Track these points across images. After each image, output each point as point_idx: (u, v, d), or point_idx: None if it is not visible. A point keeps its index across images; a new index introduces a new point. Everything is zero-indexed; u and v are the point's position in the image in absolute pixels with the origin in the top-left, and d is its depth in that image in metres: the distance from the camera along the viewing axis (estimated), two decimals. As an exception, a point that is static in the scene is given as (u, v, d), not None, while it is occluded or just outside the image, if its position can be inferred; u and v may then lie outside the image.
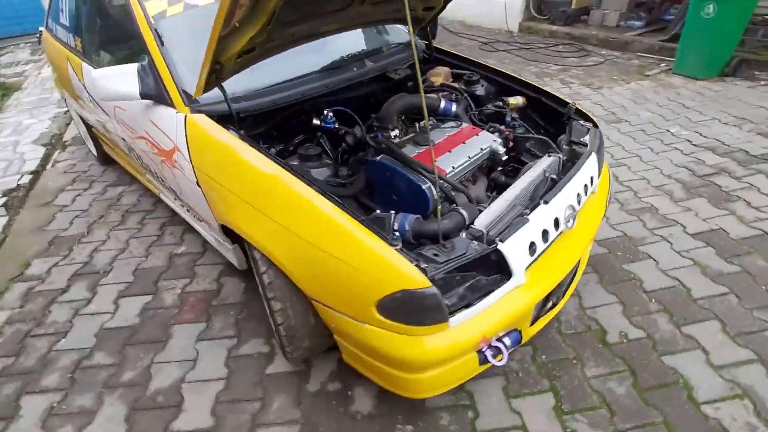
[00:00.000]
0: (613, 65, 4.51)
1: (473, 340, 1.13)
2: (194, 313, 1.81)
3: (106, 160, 2.97)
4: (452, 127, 1.61)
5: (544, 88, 1.88)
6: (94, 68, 1.91)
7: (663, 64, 4.47)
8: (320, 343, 1.42)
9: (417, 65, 1.03)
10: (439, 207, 1.22)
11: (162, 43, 1.56)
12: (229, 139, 1.36)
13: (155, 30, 1.58)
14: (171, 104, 1.53)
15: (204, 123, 1.43)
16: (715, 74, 3.97)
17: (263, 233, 1.24)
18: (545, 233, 1.24)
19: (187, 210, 1.87)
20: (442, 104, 1.67)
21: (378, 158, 1.40)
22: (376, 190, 1.45)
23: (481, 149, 1.51)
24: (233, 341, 1.67)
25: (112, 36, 2.01)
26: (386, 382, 1.26)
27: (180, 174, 1.56)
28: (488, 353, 1.15)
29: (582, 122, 1.68)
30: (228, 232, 1.53)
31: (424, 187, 1.29)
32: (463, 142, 1.53)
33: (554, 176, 1.44)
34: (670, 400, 1.38)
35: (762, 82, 3.77)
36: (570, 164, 1.49)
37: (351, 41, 1.95)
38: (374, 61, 1.89)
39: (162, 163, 1.67)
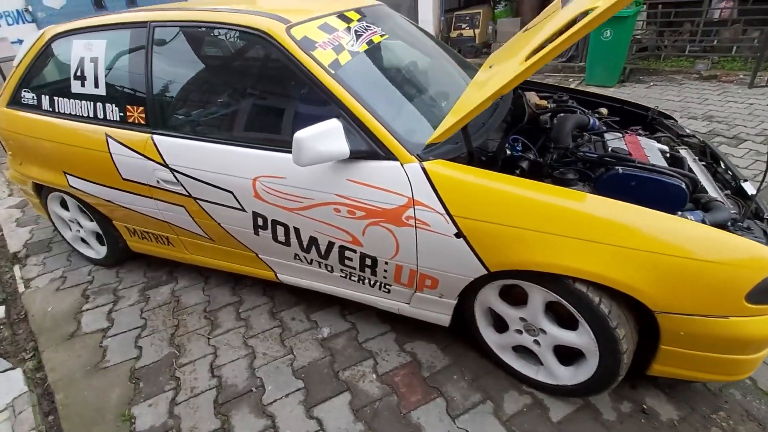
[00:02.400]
0: (537, 84, 5.44)
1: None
2: (418, 393, 1.54)
3: (118, 259, 2.33)
4: (619, 137, 1.78)
5: (619, 98, 2.22)
6: (200, 141, 1.61)
7: (571, 79, 5.56)
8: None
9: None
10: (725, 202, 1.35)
11: (356, 95, 1.38)
12: (500, 179, 1.28)
13: (343, 82, 1.39)
14: (388, 157, 1.36)
15: (458, 169, 1.31)
16: (616, 82, 5.14)
17: (595, 261, 1.18)
18: None
19: (363, 279, 1.61)
20: (591, 120, 1.84)
21: (619, 171, 1.46)
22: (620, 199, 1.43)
23: (661, 151, 1.70)
24: (489, 405, 1.48)
25: (239, 98, 1.69)
26: (717, 373, 1.30)
27: (418, 231, 1.36)
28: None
29: (672, 121, 2.04)
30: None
31: (680, 185, 1.40)
32: (643, 147, 1.70)
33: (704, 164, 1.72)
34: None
35: (650, 84, 5.01)
36: (701, 153, 1.80)
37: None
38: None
39: (370, 226, 1.43)
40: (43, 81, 2.04)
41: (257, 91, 1.64)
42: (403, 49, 1.97)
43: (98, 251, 2.36)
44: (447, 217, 1.32)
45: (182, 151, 1.67)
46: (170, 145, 1.69)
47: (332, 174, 1.43)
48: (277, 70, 1.49)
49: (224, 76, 1.80)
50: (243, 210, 1.64)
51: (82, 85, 1.86)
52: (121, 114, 1.79)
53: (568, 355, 1.45)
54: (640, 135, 1.84)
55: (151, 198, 1.85)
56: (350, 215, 1.45)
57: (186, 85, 1.70)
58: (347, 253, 1.55)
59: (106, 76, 1.79)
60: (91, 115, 1.86)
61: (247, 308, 2.01)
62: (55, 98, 1.96)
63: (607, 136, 1.74)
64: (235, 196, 1.62)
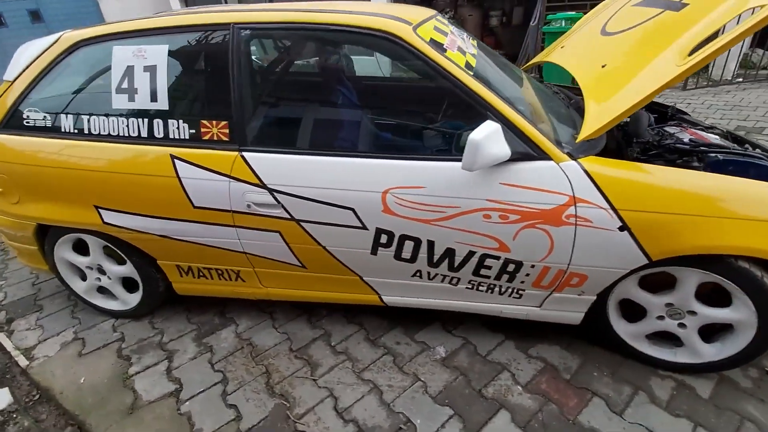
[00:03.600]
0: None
1: None
2: (572, 396, 1.49)
3: (152, 307, 1.95)
4: (682, 131, 1.95)
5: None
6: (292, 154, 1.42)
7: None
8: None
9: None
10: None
11: (501, 96, 1.33)
12: (658, 170, 1.32)
13: (486, 83, 1.33)
14: (541, 158, 1.33)
15: (614, 164, 1.33)
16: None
17: (757, 238, 1.26)
18: None
19: (493, 288, 1.53)
20: (651, 118, 2.00)
21: (719, 157, 1.59)
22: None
23: (726, 142, 1.89)
24: (643, 395, 1.48)
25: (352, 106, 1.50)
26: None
27: (578, 229, 1.34)
28: None
29: (688, 116, 2.31)
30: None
31: None
32: (706, 137, 1.89)
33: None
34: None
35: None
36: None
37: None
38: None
39: (524, 229, 1.37)
40: (61, 97, 1.64)
41: (380, 96, 1.50)
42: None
43: (125, 301, 1.94)
44: (611, 212, 1.32)
45: (285, 168, 1.46)
46: (269, 162, 1.46)
47: (482, 179, 1.35)
48: (403, 73, 1.39)
49: (337, 82, 1.61)
50: (363, 228, 1.47)
51: (131, 99, 1.53)
52: (193, 131, 1.51)
53: (706, 333, 1.53)
54: (693, 128, 2.06)
55: (232, 227, 1.57)
56: (502, 220, 1.39)
57: (284, 94, 1.50)
58: (487, 262, 1.48)
59: (169, 88, 1.51)
60: (145, 134, 1.54)
61: (338, 340, 1.80)
62: (84, 117, 1.59)
63: (670, 129, 1.91)
64: (356, 213, 1.45)
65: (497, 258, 1.47)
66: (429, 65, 1.35)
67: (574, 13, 5.05)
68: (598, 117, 1.38)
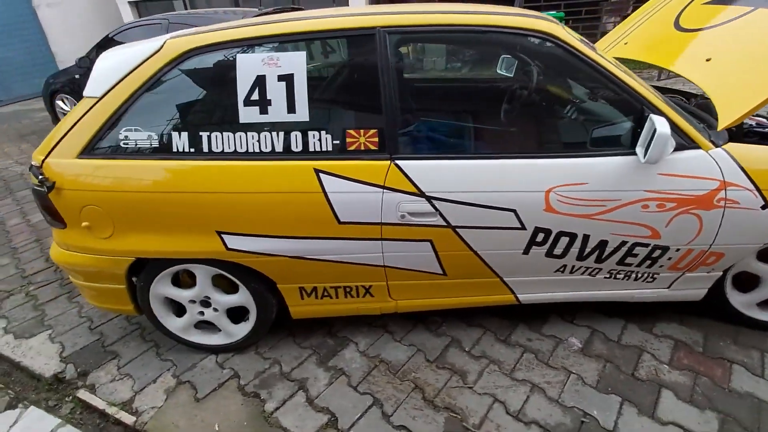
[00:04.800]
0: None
1: None
2: (716, 368, 1.59)
3: (258, 337, 1.78)
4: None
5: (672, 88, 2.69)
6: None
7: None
8: None
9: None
10: None
11: (652, 91, 1.39)
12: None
13: (637, 79, 1.38)
14: (691, 147, 1.41)
15: (753, 149, 1.45)
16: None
17: None
18: None
19: (629, 275, 1.59)
20: None
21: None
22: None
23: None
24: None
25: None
26: None
27: (726, 211, 1.43)
28: None
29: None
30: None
31: None
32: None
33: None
34: None
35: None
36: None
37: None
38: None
39: (679, 215, 1.44)
40: (170, 113, 1.45)
41: (538, 96, 1.48)
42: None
43: (231, 333, 1.75)
44: (756, 192, 1.44)
45: (444, 174, 1.41)
46: (426, 169, 1.40)
47: (642, 171, 1.41)
48: (559, 73, 1.40)
49: (491, 83, 1.56)
50: (522, 228, 1.47)
51: (263, 111, 1.40)
52: (337, 142, 1.41)
53: None
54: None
55: (377, 240, 1.49)
56: (659, 209, 1.45)
57: (435, 97, 1.44)
58: (636, 250, 1.53)
59: (309, 98, 1.39)
60: (280, 149, 1.42)
61: (470, 344, 1.77)
62: (203, 135, 1.42)
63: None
64: (517, 214, 1.44)
65: (646, 245, 1.54)
66: (587, 64, 1.38)
67: (554, 12, 5.36)
68: (733, 107, 1.50)
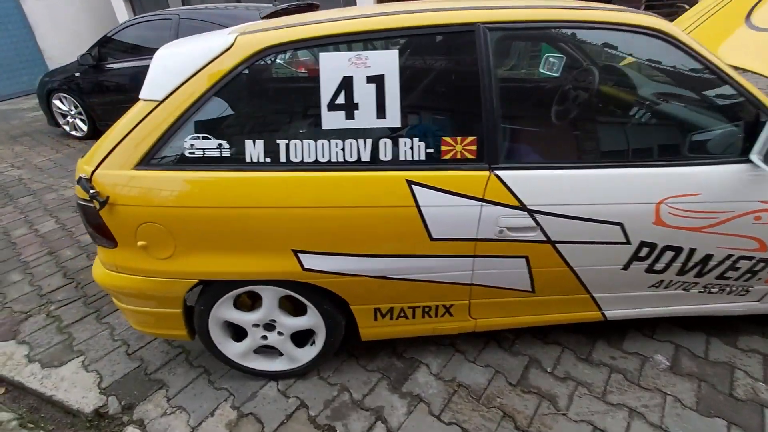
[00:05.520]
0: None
1: None
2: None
3: (322, 361, 1.62)
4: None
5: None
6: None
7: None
8: None
9: None
10: None
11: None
12: None
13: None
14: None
15: None
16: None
17: None
18: None
19: (724, 289, 1.50)
20: None
21: None
22: None
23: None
24: None
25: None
26: None
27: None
28: None
29: None
30: None
31: None
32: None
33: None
34: None
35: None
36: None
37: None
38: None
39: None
40: (241, 118, 1.30)
41: (648, 99, 1.37)
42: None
43: (294, 358, 1.60)
44: None
45: (548, 185, 1.29)
46: (529, 180, 1.28)
47: (757, 180, 1.31)
48: (672, 74, 1.29)
49: (599, 86, 1.43)
50: (626, 243, 1.36)
51: (349, 116, 1.25)
52: (430, 150, 1.27)
53: None
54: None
55: (469, 258, 1.36)
56: (770, 218, 1.37)
57: (539, 101, 1.31)
58: (739, 263, 1.44)
59: (401, 101, 1.25)
60: (367, 158, 1.27)
61: (551, 364, 1.65)
62: (280, 143, 1.27)
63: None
64: (623, 229, 1.33)
65: (751, 258, 1.45)
66: (703, 63, 1.28)
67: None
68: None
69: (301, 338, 1.63)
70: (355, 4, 6.59)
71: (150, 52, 4.42)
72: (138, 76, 4.22)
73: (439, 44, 1.30)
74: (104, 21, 8.11)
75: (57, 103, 4.84)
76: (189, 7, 4.15)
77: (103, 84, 4.45)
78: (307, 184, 1.28)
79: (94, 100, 4.58)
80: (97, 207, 1.29)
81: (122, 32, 4.36)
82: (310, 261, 1.35)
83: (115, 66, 4.36)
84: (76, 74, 4.54)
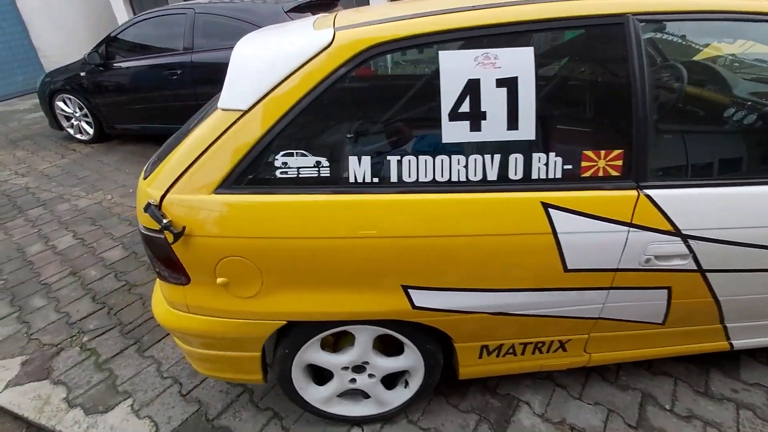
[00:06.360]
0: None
1: None
2: None
3: (415, 403, 1.42)
4: None
5: None
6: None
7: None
8: None
9: None
10: None
11: None
12: None
13: None
14: None
15: None
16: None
17: None
18: None
19: None
20: None
21: None
22: None
23: None
24: None
25: None
26: None
27: None
28: None
29: None
30: None
31: None
32: None
33: None
34: None
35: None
36: None
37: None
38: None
39: None
40: (344, 131, 1.08)
41: None
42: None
43: (383, 401, 1.39)
44: None
45: (708, 206, 1.09)
46: (685, 201, 1.08)
47: None
48: None
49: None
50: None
51: (475, 128, 1.04)
52: (568, 166, 1.07)
53: None
54: None
55: (603, 290, 1.17)
56: None
57: (700, 105, 1.12)
58: None
59: (536, 108, 1.05)
60: (494, 176, 1.06)
61: (668, 401, 1.47)
62: (391, 159, 1.05)
63: None
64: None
65: None
66: None
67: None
68: None
69: (390, 379, 1.43)
70: (368, 3, 6.35)
71: (162, 50, 4.25)
72: (150, 76, 3.97)
73: (581, 39, 1.10)
74: (102, 19, 7.77)
75: (60, 104, 4.55)
76: (203, 1, 3.88)
77: (112, 84, 4.18)
78: (424, 208, 1.07)
79: (101, 101, 4.30)
80: (171, 240, 1.08)
81: (131, 29, 4.08)
82: (421, 298, 1.15)
83: (124, 65, 4.08)
84: (82, 74, 4.25)
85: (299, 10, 3.68)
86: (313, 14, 3.94)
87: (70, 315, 2.07)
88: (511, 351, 1.34)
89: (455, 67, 1.03)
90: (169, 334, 1.89)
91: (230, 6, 3.72)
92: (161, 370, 1.72)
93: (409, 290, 1.14)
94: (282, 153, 1.06)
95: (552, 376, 1.59)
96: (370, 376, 1.35)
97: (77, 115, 4.54)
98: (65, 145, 4.72)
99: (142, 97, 4.10)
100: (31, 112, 6.37)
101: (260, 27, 3.80)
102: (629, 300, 1.22)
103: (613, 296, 1.20)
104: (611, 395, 1.52)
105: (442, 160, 1.07)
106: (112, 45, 4.13)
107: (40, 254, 2.63)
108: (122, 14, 7.46)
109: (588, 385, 1.56)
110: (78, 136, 4.70)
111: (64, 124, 4.71)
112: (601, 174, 1.09)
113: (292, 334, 1.23)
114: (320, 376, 1.41)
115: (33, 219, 3.09)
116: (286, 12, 3.60)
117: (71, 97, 4.42)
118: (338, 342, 1.38)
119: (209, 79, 3.77)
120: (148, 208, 1.07)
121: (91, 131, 4.59)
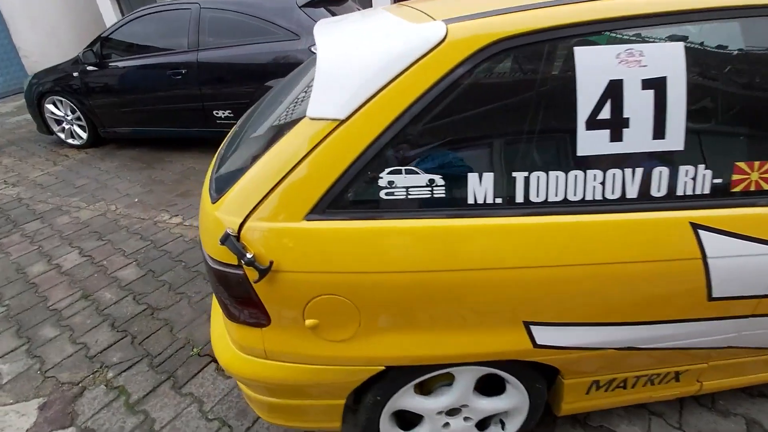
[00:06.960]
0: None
1: None
2: None
3: None
4: None
5: None
6: None
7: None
8: None
9: None
10: None
11: None
12: None
13: None
14: None
15: None
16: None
17: None
18: None
19: None
20: None
21: None
22: None
23: None
24: None
25: None
26: None
27: None
28: None
29: None
30: None
31: None
32: None
33: None
34: None
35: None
36: None
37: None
38: None
39: None
40: (461, 144, 0.91)
41: None
42: None
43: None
44: None
45: None
46: None
47: None
48: None
49: None
50: None
51: (616, 137, 0.89)
52: (718, 180, 0.93)
53: None
54: None
55: (744, 318, 1.03)
56: None
57: None
58: None
59: (688, 113, 0.90)
60: (634, 194, 0.91)
61: (774, 427, 1.36)
62: (517, 175, 0.89)
63: None
64: None
65: None
66: None
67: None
68: None
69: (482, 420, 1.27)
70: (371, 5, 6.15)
71: (164, 48, 3.98)
72: (151, 76, 3.71)
73: (735, 30, 0.95)
74: (86, 17, 7.35)
75: (50, 107, 4.22)
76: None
77: (110, 85, 3.90)
78: (553, 232, 0.91)
79: (97, 104, 4.00)
80: (256, 278, 0.89)
81: (128, 26, 3.80)
82: (544, 335, 0.99)
83: (122, 64, 3.80)
84: (75, 74, 3.95)
85: (313, 5, 3.48)
86: (326, 9, 3.78)
87: (89, 346, 1.85)
88: (622, 385, 1.19)
89: (594, 66, 0.87)
90: (207, 365, 1.70)
91: (238, 0, 3.49)
92: (204, 410, 1.52)
93: (531, 326, 0.98)
94: (387, 170, 0.89)
95: (645, 404, 1.46)
96: (466, 419, 1.19)
97: (69, 118, 4.23)
98: (56, 150, 4.40)
99: (141, 99, 3.83)
100: (13, 115, 5.97)
101: (272, 23, 3.68)
102: (766, 327, 1.09)
103: (751, 324, 1.06)
104: (713, 423, 1.39)
105: (576, 176, 0.91)
106: (108, 43, 3.85)
107: (43, 275, 2.38)
108: (109, 12, 7.08)
109: (685, 412, 1.43)
110: (70, 140, 4.39)
111: (55, 128, 4.38)
112: (753, 188, 0.95)
113: (388, 379, 1.05)
114: (403, 418, 1.25)
115: (30, 234, 2.82)
116: (300, 7, 3.39)
117: (62, 99, 4.11)
118: (426, 382, 1.22)
119: (217, 78, 3.55)
120: (226, 239, 0.89)
121: (84, 135, 4.28)
